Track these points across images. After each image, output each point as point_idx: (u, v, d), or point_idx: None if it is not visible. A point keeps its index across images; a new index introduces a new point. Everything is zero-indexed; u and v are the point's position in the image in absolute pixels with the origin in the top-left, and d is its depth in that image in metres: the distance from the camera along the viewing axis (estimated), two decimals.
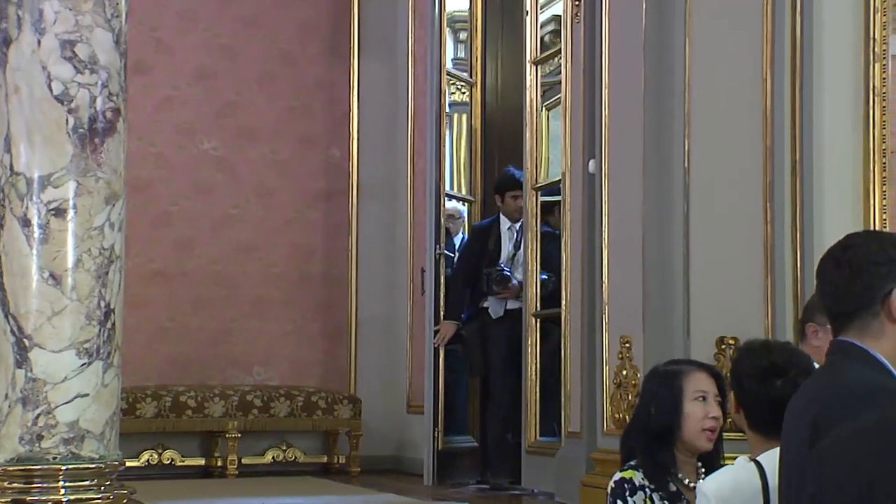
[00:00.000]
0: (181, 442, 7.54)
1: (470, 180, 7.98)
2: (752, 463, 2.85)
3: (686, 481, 3.46)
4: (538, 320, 6.85)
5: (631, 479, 3.43)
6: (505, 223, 7.22)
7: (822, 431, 2.19)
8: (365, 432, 7.87)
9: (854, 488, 1.88)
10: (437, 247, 7.22)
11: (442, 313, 7.22)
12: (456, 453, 7.29)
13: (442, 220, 7.36)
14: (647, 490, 3.42)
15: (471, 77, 7.83)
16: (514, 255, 7.13)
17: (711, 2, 5.19)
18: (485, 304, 7.09)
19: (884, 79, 5.09)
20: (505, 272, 7.04)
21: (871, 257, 2.31)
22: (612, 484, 3.45)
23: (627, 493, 3.41)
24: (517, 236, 7.15)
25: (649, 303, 5.25)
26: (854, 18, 5.11)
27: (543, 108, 7.05)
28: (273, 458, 7.76)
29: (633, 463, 3.48)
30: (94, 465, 4.53)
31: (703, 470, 3.50)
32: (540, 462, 6.59)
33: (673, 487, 3.45)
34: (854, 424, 1.99)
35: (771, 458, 2.69)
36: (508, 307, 7.05)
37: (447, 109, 7.63)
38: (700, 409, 3.45)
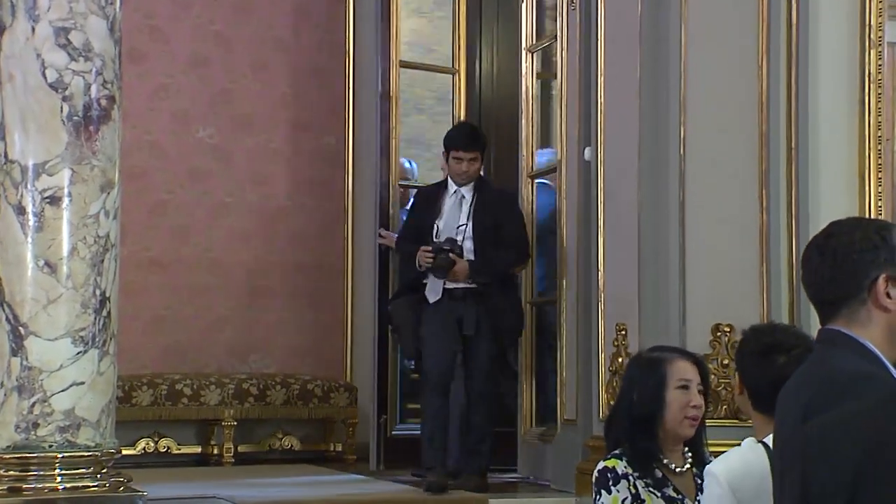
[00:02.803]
0: (177, 430, 7.53)
1: None
2: (760, 445, 2.86)
3: (673, 466, 3.46)
4: (533, 307, 6.85)
5: (614, 467, 3.42)
6: (451, 187, 6.39)
7: (812, 417, 2.19)
8: (361, 420, 7.87)
9: (846, 469, 1.88)
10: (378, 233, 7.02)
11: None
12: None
13: (391, 210, 7.11)
14: (630, 478, 3.41)
15: (453, 66, 7.68)
16: (463, 226, 6.29)
17: None
18: (424, 281, 6.34)
19: (879, 65, 5.09)
20: (449, 256, 6.18)
21: (856, 245, 2.31)
22: (595, 473, 3.45)
23: (611, 483, 3.40)
24: (465, 205, 6.35)
25: (645, 290, 5.25)
26: (850, 4, 5.11)
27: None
28: (269, 446, 7.75)
29: (616, 451, 3.47)
30: (90, 453, 4.53)
31: (691, 455, 3.51)
32: (535, 450, 6.60)
33: (659, 474, 3.44)
34: (849, 406, 1.99)
35: None
36: (447, 286, 6.26)
37: None
38: (682, 398, 3.44)
